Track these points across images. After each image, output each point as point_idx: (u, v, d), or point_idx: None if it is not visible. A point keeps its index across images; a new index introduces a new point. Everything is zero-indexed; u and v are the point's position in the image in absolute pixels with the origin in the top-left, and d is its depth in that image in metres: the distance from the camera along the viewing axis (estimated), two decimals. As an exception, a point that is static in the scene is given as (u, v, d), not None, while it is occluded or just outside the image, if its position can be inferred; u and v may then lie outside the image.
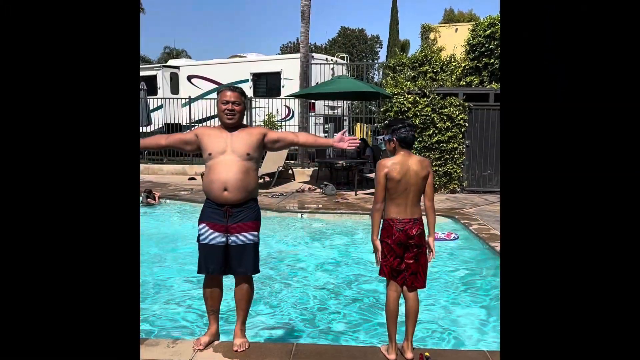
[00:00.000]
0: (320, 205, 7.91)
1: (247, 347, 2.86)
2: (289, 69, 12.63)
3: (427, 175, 2.83)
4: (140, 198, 7.93)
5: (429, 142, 9.01)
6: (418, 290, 2.89)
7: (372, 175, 9.15)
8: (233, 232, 2.82)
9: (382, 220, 2.88)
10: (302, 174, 11.19)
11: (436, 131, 8.99)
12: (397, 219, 2.81)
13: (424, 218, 2.87)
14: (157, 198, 8.26)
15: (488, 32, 9.42)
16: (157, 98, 13.70)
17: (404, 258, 2.83)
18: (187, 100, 12.54)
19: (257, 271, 2.97)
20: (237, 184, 2.77)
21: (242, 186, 2.78)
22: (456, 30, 15.91)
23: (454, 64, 9.98)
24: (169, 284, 4.58)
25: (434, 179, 2.96)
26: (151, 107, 13.34)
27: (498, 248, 5.19)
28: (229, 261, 2.88)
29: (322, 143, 3.47)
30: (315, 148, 9.00)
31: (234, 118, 2.84)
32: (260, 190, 7.42)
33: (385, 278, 2.90)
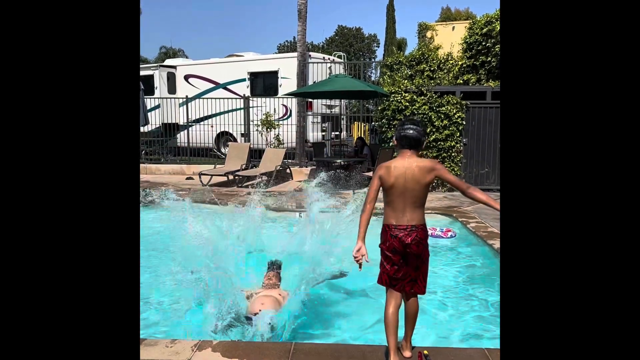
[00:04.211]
0: (318, 204, 7.87)
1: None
2: (286, 68, 12.62)
3: (430, 180, 2.66)
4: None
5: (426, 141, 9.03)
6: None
7: (370, 173, 9.15)
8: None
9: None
10: (300, 173, 11.19)
11: (433, 129, 9.00)
12: (393, 225, 2.69)
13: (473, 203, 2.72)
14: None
15: (485, 30, 9.41)
16: (155, 98, 13.68)
17: (405, 267, 2.71)
18: (185, 99, 12.52)
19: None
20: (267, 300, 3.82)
21: (270, 305, 3.71)
22: (453, 28, 15.92)
23: (451, 62, 9.98)
24: (168, 284, 4.58)
25: (447, 172, 2.74)
26: (148, 107, 13.31)
27: (496, 246, 5.20)
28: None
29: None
30: None
31: (270, 285, 4.12)
32: (258, 190, 7.42)
33: (384, 286, 2.81)
